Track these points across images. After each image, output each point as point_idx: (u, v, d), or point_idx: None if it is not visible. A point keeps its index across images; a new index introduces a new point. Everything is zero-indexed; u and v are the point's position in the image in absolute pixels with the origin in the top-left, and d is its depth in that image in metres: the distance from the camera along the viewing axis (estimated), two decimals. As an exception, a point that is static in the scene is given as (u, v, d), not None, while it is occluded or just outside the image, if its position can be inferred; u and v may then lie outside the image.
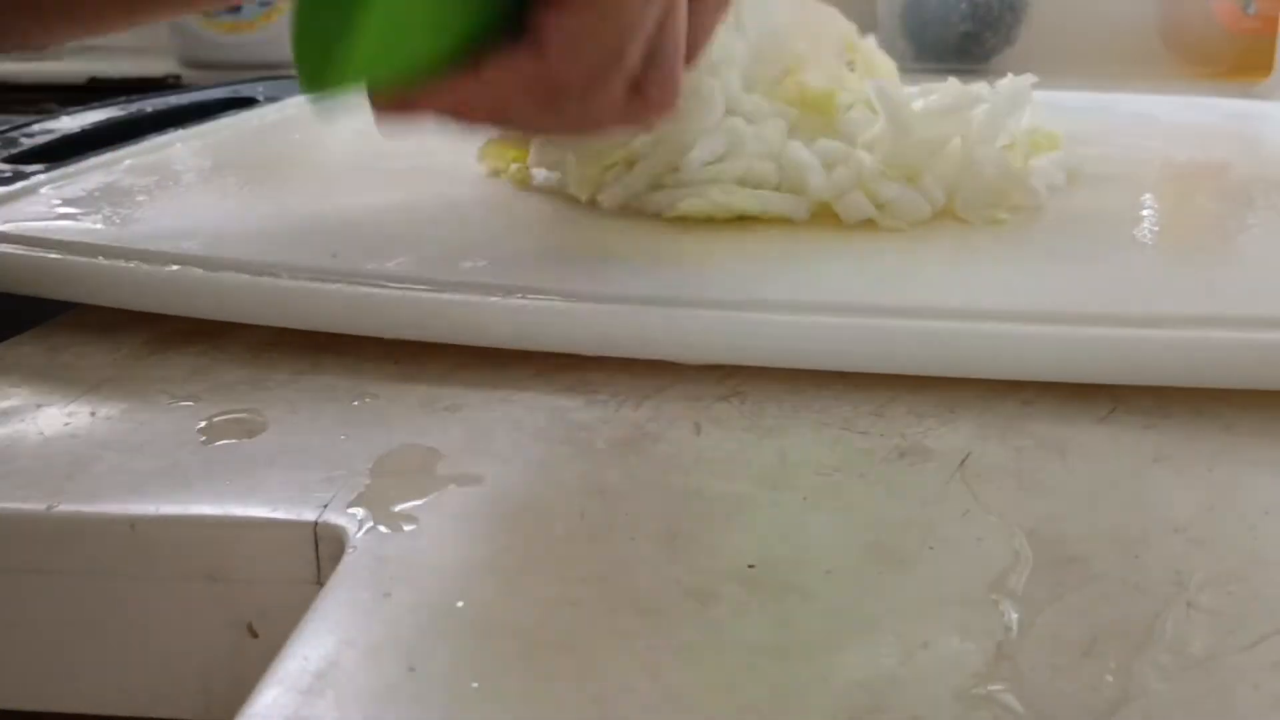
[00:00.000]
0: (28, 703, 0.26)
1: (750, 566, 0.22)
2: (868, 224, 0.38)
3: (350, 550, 0.22)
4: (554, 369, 0.31)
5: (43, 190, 0.42)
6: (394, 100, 0.29)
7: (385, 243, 0.36)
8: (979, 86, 0.42)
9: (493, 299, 0.31)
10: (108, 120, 0.55)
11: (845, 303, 0.30)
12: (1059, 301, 0.31)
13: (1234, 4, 0.86)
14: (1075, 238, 0.37)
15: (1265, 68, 0.81)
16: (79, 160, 0.46)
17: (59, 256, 0.35)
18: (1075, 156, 0.45)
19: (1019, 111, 0.42)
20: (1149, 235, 0.38)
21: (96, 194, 0.42)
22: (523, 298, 0.31)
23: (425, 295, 0.31)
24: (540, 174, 0.42)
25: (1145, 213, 0.41)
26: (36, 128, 0.52)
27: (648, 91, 0.31)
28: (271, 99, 0.63)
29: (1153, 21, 0.91)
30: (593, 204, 0.40)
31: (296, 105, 0.61)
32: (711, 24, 0.33)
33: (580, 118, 0.31)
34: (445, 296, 0.31)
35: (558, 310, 0.31)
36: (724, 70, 0.39)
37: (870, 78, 0.42)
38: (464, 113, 0.30)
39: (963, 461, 0.26)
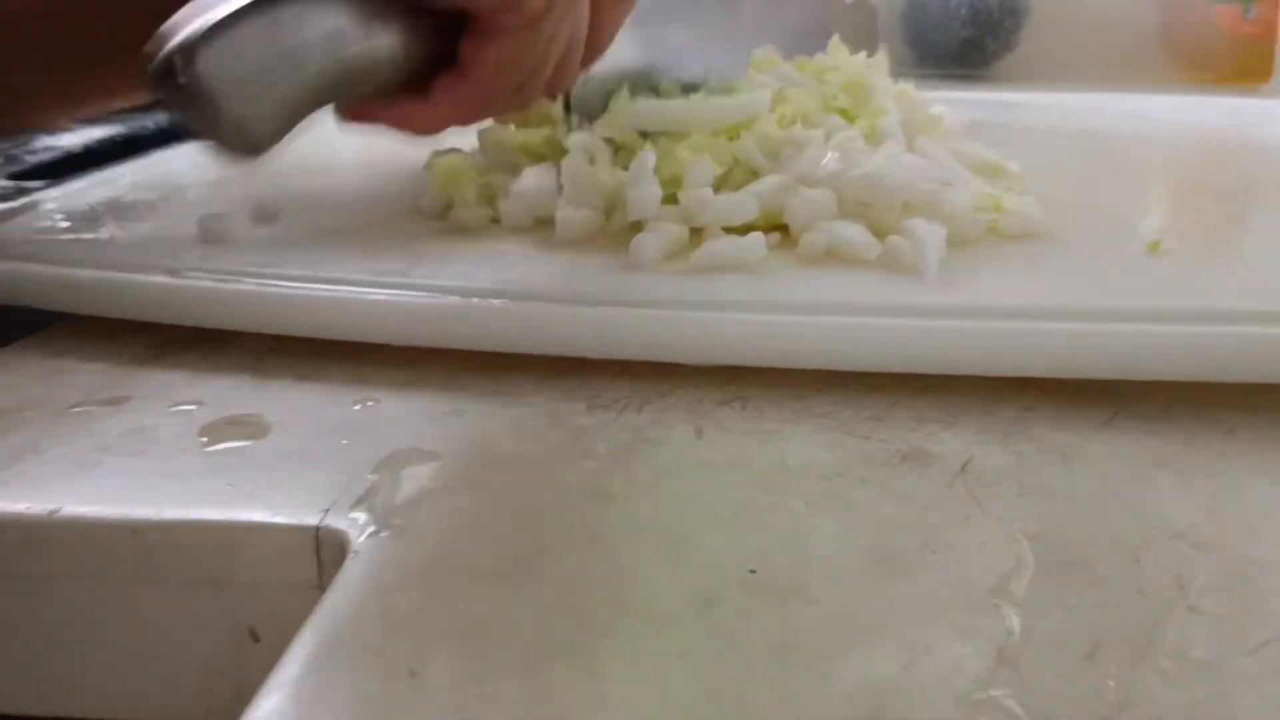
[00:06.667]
0: (29, 707, 0.25)
1: (752, 571, 0.22)
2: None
3: (352, 554, 0.22)
4: (555, 373, 0.31)
5: (46, 206, 0.42)
6: (354, 113, 0.35)
7: (385, 249, 0.36)
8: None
9: (494, 303, 0.31)
10: (110, 136, 0.55)
11: (846, 303, 0.30)
12: (1061, 299, 0.31)
13: (1235, 9, 0.86)
14: (1077, 237, 0.37)
15: (1266, 72, 0.81)
16: (82, 176, 0.46)
17: (62, 270, 0.35)
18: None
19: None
20: (1151, 234, 0.38)
21: (99, 209, 0.42)
22: (523, 302, 0.31)
23: (426, 300, 0.31)
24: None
25: (1146, 212, 0.41)
26: (39, 144, 0.52)
27: (554, 85, 0.38)
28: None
29: (1153, 26, 0.91)
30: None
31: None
32: (615, 22, 0.40)
33: (500, 113, 0.40)
34: (446, 301, 0.31)
35: (559, 314, 0.31)
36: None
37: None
38: (411, 125, 0.36)
39: (964, 466, 0.26)
